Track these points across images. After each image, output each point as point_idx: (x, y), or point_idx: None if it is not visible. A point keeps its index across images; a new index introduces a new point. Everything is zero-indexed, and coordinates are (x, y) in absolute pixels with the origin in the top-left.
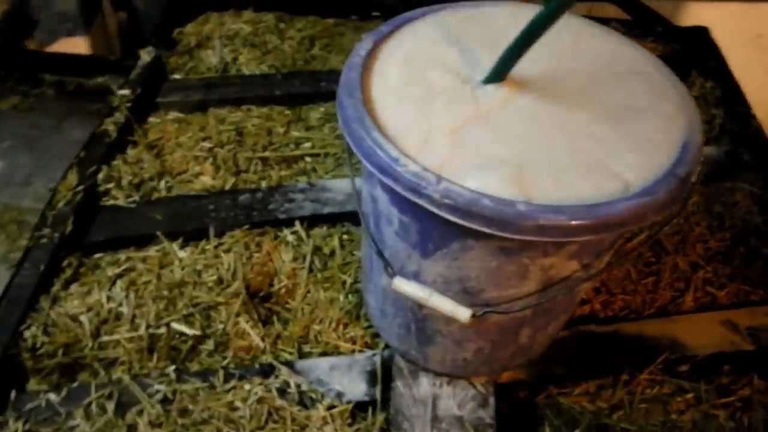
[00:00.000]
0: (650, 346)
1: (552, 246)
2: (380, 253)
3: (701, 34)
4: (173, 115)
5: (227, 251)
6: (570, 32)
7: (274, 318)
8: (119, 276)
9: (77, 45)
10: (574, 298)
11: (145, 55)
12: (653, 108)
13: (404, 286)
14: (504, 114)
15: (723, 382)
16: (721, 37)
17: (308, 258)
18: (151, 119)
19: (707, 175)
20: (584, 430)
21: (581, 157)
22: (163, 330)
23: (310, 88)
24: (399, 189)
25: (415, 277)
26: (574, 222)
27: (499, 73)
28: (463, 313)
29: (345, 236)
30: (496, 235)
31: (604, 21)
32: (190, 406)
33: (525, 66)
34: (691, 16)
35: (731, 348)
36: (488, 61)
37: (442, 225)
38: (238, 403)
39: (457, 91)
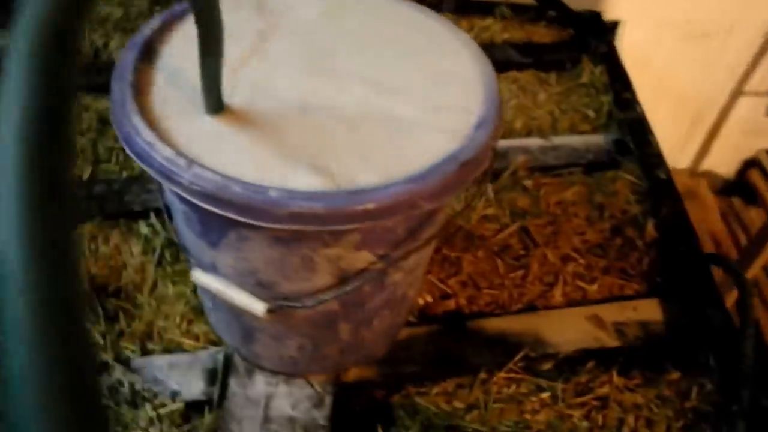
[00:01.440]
0: (513, 343)
1: (329, 236)
2: (182, 245)
3: (595, 19)
4: None
5: None
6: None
7: (121, 314)
8: None
9: None
10: (394, 291)
11: (0, 39)
12: (446, 86)
13: (202, 278)
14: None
15: (582, 381)
16: (649, 26)
17: (158, 251)
18: None
19: (593, 164)
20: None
21: (357, 139)
22: None
23: None
24: (156, 176)
25: (213, 269)
26: (330, 210)
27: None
28: (258, 307)
29: None
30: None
31: (493, 4)
32: None
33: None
34: (617, 7)
35: (595, 344)
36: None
37: (215, 213)
38: None
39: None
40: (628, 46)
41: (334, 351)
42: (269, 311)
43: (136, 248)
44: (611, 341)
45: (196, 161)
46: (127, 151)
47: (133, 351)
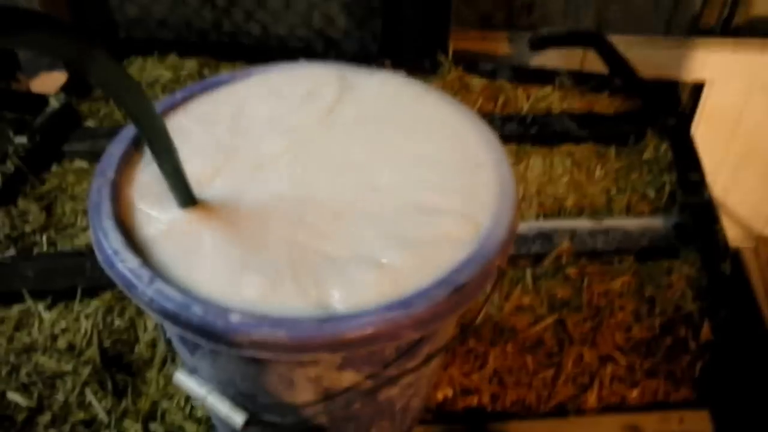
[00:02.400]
0: None
1: (305, 359)
2: (169, 342)
3: (667, 89)
4: (78, 164)
5: (89, 315)
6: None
7: (129, 390)
8: None
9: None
10: (392, 405)
11: (54, 102)
12: (454, 189)
13: (184, 381)
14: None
15: None
16: (739, 86)
17: (162, 333)
18: (54, 168)
19: (647, 252)
20: None
21: (340, 251)
22: None
23: None
24: (119, 285)
25: (196, 372)
26: (297, 339)
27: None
28: (237, 419)
29: None
30: None
31: (553, 73)
32: None
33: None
34: (704, 68)
35: None
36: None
37: None
38: None
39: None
40: (716, 108)
41: None
42: (247, 423)
43: (150, 323)
44: None
45: (160, 274)
46: (97, 256)
47: (135, 431)
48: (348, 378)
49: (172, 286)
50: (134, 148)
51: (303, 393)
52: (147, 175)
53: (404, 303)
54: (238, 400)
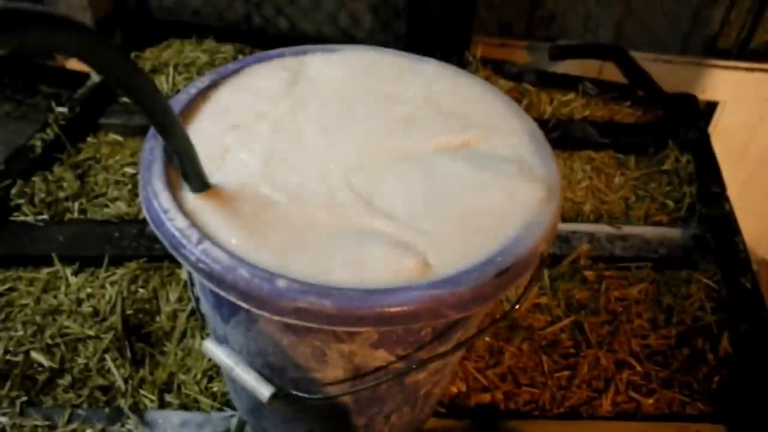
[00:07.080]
0: None
1: (343, 332)
2: (199, 312)
3: (688, 101)
4: (112, 137)
5: (114, 283)
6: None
7: (147, 360)
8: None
9: None
10: (416, 390)
11: (95, 76)
12: (498, 178)
13: (213, 350)
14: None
15: None
16: (751, 109)
17: (193, 301)
18: (90, 139)
19: (664, 261)
20: None
21: (384, 232)
22: (20, 357)
23: None
24: (166, 245)
25: (225, 342)
26: (341, 310)
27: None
28: (264, 392)
29: None
30: None
31: (577, 79)
32: None
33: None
34: (717, 89)
35: None
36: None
37: None
38: None
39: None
40: (726, 129)
41: None
42: (274, 396)
43: (173, 294)
44: None
45: (207, 237)
46: (145, 214)
47: (151, 401)
48: (380, 357)
49: (220, 248)
50: (187, 114)
51: (334, 369)
52: (197, 141)
53: (448, 281)
54: (266, 373)
